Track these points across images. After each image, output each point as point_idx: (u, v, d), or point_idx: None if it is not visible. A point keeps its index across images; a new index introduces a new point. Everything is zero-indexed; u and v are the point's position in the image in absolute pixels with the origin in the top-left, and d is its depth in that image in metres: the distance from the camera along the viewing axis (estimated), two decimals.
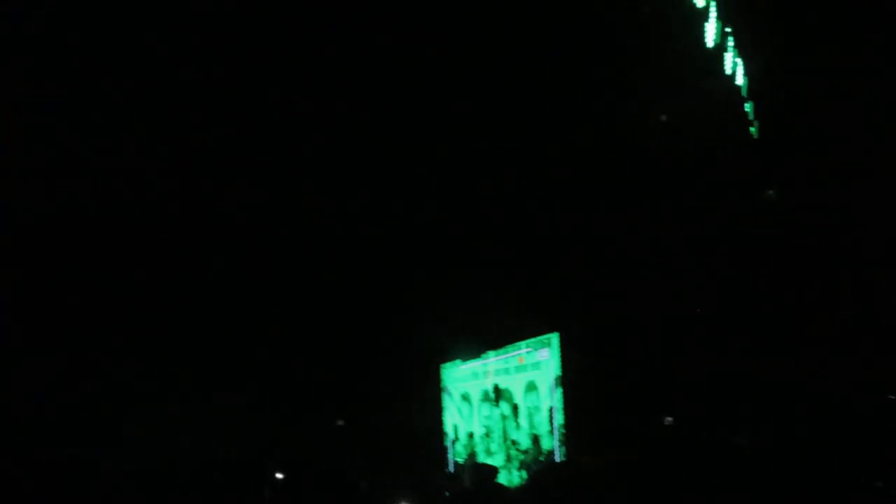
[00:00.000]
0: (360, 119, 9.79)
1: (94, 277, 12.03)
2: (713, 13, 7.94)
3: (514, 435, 11.96)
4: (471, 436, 13.15)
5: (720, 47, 8.21)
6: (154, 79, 8.94)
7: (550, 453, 11.04)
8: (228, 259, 11.88)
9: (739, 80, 8.75)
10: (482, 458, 12.67)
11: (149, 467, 11.94)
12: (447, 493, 9.70)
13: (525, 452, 11.69)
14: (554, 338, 11.08)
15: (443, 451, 13.79)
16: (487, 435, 12.67)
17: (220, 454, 12.58)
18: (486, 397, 12.66)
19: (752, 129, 9.37)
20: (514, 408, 11.92)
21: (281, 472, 11.26)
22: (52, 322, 12.66)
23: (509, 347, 11.99)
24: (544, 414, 11.23)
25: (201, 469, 11.43)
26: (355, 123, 9.81)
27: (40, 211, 10.58)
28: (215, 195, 10.98)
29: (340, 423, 14.77)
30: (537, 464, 11.33)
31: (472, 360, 13.04)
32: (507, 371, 12.14)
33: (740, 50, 8.48)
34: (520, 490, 9.88)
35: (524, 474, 11.62)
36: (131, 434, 12.78)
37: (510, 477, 11.88)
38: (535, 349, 11.41)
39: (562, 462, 10.63)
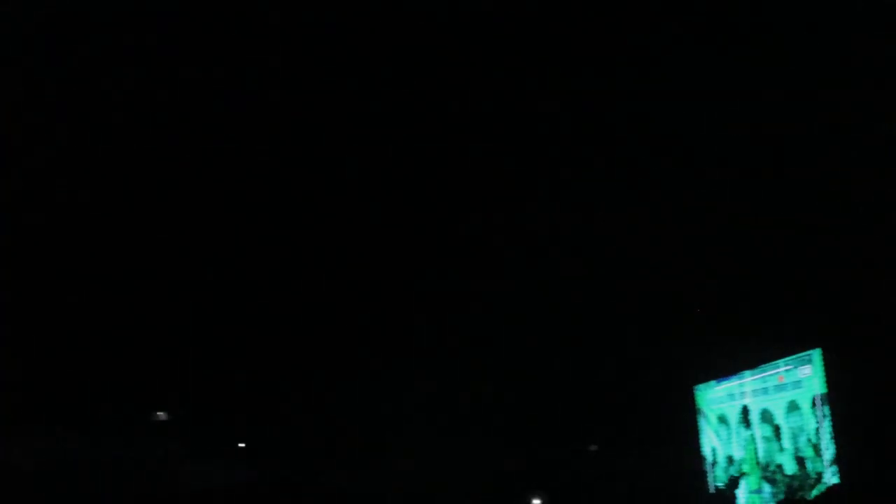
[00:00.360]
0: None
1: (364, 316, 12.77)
2: None
3: (777, 458, 11.42)
4: (730, 459, 12.69)
5: None
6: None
7: (820, 477, 10.44)
8: (492, 295, 12.24)
9: None
10: (741, 481, 12.21)
11: (412, 492, 12.50)
12: None
13: (791, 477, 11.12)
14: (816, 354, 10.52)
15: (702, 474, 13.41)
16: (748, 458, 12.18)
17: (477, 482, 12.95)
18: (743, 419, 12.19)
19: None
20: (776, 429, 11.39)
21: (539, 498, 11.42)
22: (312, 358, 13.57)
23: (767, 366, 11.50)
24: (810, 435, 10.65)
25: (461, 496, 11.81)
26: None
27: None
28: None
29: (594, 448, 14.73)
30: (808, 488, 10.75)
31: (727, 381, 12.63)
32: (765, 391, 11.64)
33: None
34: None
35: (794, 498, 11.06)
36: (394, 461, 13.41)
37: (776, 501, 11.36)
38: (796, 367, 10.88)
39: (836, 486, 10.05)
